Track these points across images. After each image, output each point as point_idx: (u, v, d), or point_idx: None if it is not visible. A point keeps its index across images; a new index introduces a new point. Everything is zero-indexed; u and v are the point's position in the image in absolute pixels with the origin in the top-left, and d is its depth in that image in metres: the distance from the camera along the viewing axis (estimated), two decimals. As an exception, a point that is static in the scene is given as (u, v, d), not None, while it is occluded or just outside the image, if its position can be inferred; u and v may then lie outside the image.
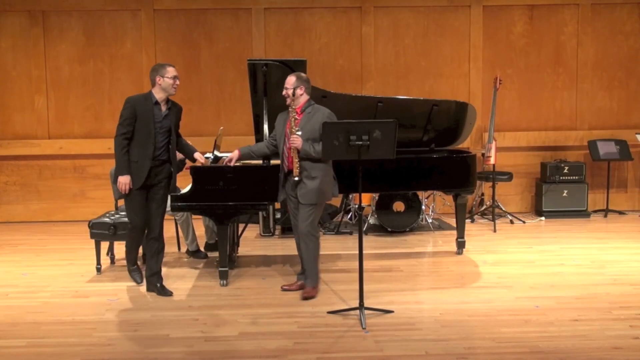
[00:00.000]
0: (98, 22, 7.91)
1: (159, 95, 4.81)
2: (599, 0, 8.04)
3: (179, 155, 5.59)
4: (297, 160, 4.65)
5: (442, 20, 8.04)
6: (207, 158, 5.92)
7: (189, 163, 5.45)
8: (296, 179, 4.67)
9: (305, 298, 4.76)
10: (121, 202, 6.03)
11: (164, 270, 5.65)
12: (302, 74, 4.82)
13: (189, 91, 7.96)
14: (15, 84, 7.96)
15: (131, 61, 7.96)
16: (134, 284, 5.25)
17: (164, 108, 4.83)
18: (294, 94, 4.68)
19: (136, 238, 5.10)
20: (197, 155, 5.09)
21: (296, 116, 4.69)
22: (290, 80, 4.73)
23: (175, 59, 7.93)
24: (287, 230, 7.02)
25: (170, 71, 4.79)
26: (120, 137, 4.79)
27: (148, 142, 4.76)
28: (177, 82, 4.83)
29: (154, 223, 4.96)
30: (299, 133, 4.62)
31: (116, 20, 7.93)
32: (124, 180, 4.78)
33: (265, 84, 5.48)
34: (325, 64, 8.01)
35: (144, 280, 5.12)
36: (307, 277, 4.89)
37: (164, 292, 4.96)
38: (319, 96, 5.77)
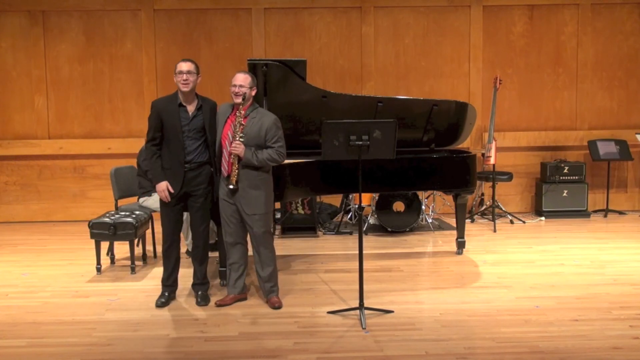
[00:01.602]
0: (98, 22, 7.91)
1: (180, 95, 4.53)
2: (599, 0, 8.04)
3: None
4: (236, 167, 4.39)
5: (442, 20, 8.04)
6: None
7: None
8: (231, 187, 4.41)
9: (278, 307, 4.59)
10: (121, 202, 6.06)
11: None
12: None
13: (189, 91, 7.94)
14: (15, 84, 7.96)
15: (131, 61, 7.96)
16: (134, 283, 5.25)
17: (191, 109, 4.53)
18: (244, 96, 4.37)
19: (170, 254, 4.71)
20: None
21: (242, 121, 4.39)
22: (246, 78, 4.43)
23: (175, 59, 7.87)
24: (287, 230, 7.02)
25: (177, 67, 4.49)
26: (149, 144, 4.55)
27: (177, 147, 4.49)
28: (186, 76, 4.44)
29: (195, 233, 4.72)
30: (242, 140, 4.36)
31: (116, 20, 7.92)
32: (162, 188, 4.51)
33: (265, 83, 5.48)
34: (325, 64, 8.01)
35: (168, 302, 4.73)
36: (270, 289, 4.66)
37: (203, 301, 4.71)
38: (319, 96, 5.78)
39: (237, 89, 4.41)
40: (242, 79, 4.43)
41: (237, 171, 4.41)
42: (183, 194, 4.59)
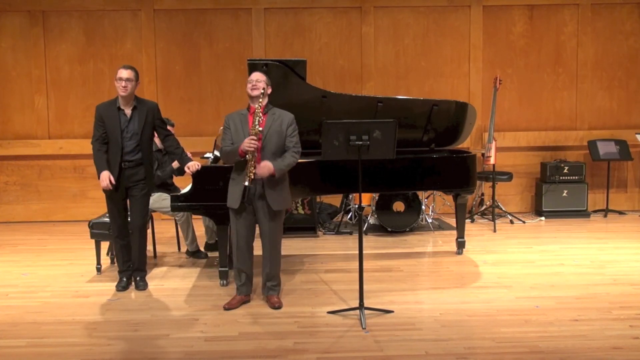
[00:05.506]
0: (98, 22, 7.91)
1: (120, 99, 4.85)
2: (599, 0, 8.05)
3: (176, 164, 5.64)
4: (252, 164, 4.36)
5: (442, 20, 8.04)
6: (206, 158, 5.94)
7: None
8: (246, 184, 4.35)
9: (278, 307, 4.59)
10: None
11: (164, 270, 5.67)
12: None
13: (189, 91, 7.96)
14: (15, 84, 7.96)
15: (131, 61, 7.92)
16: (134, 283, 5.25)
17: (128, 112, 4.84)
18: (263, 92, 4.42)
19: (122, 243, 5.08)
20: (190, 164, 4.94)
21: (261, 115, 4.40)
22: (262, 76, 4.50)
23: (175, 59, 7.94)
24: (287, 230, 7.00)
25: (117, 72, 4.79)
26: (94, 140, 4.88)
27: (116, 147, 4.83)
28: (125, 83, 4.75)
29: (133, 222, 4.99)
30: (260, 131, 4.37)
31: (116, 20, 7.93)
32: (104, 177, 4.78)
33: (265, 84, 5.48)
34: (325, 64, 8.01)
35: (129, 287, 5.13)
36: (272, 287, 4.68)
37: (141, 287, 5.12)
38: (319, 96, 5.78)
39: (254, 84, 4.46)
40: (259, 75, 4.51)
41: (253, 169, 4.38)
42: (124, 189, 4.92)
